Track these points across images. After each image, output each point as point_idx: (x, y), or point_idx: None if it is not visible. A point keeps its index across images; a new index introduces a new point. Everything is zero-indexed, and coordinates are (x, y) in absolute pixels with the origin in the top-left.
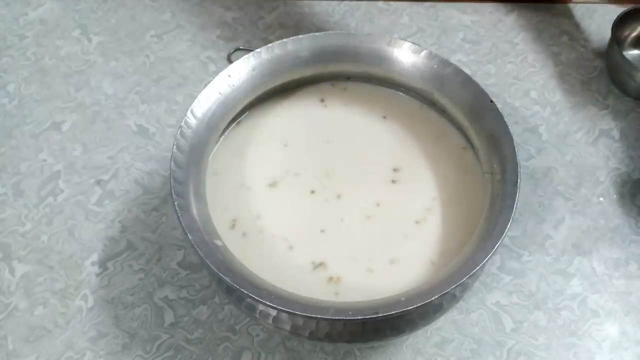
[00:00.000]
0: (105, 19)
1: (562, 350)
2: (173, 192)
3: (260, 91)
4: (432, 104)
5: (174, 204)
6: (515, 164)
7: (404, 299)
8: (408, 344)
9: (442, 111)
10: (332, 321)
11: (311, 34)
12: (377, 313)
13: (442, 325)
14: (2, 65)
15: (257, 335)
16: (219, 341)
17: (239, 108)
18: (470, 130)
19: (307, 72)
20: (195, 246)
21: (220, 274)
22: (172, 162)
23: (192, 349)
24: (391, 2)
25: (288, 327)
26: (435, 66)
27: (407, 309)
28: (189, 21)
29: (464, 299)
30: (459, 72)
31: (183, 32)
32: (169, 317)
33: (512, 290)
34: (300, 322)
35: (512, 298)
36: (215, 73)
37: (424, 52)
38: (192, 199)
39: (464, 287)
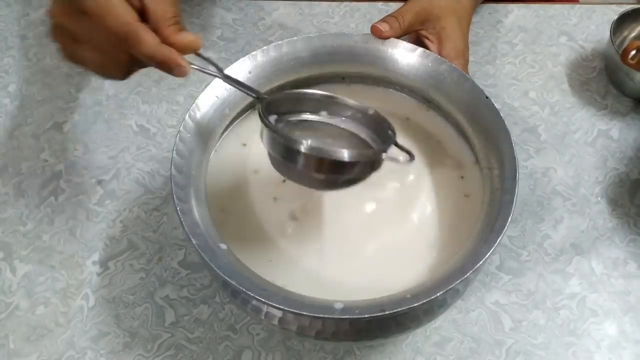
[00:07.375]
0: None
1: (560, 350)
2: (175, 197)
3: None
4: (428, 102)
5: (176, 209)
6: (513, 159)
7: (409, 295)
8: (407, 343)
9: (438, 108)
10: (338, 320)
11: (306, 35)
12: (383, 311)
13: (441, 324)
14: (3, 65)
15: (258, 334)
16: (220, 340)
17: (237, 111)
18: (467, 126)
19: (303, 73)
20: (200, 250)
21: (226, 278)
22: (172, 167)
23: (192, 348)
24: (391, 3)
25: (294, 328)
26: (430, 64)
27: (413, 305)
28: (189, 22)
29: (463, 297)
30: (453, 69)
31: None
32: (169, 317)
33: (511, 290)
34: (306, 322)
35: (511, 297)
36: None
37: (418, 51)
38: (193, 202)
39: (467, 283)
